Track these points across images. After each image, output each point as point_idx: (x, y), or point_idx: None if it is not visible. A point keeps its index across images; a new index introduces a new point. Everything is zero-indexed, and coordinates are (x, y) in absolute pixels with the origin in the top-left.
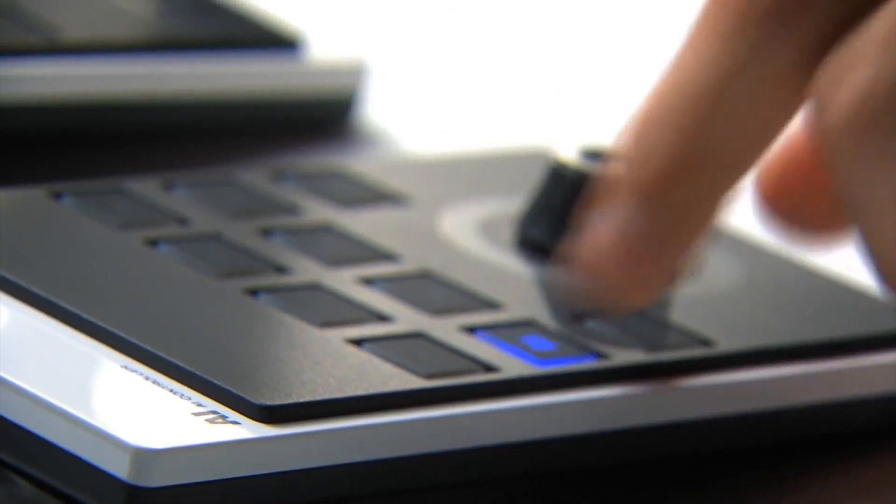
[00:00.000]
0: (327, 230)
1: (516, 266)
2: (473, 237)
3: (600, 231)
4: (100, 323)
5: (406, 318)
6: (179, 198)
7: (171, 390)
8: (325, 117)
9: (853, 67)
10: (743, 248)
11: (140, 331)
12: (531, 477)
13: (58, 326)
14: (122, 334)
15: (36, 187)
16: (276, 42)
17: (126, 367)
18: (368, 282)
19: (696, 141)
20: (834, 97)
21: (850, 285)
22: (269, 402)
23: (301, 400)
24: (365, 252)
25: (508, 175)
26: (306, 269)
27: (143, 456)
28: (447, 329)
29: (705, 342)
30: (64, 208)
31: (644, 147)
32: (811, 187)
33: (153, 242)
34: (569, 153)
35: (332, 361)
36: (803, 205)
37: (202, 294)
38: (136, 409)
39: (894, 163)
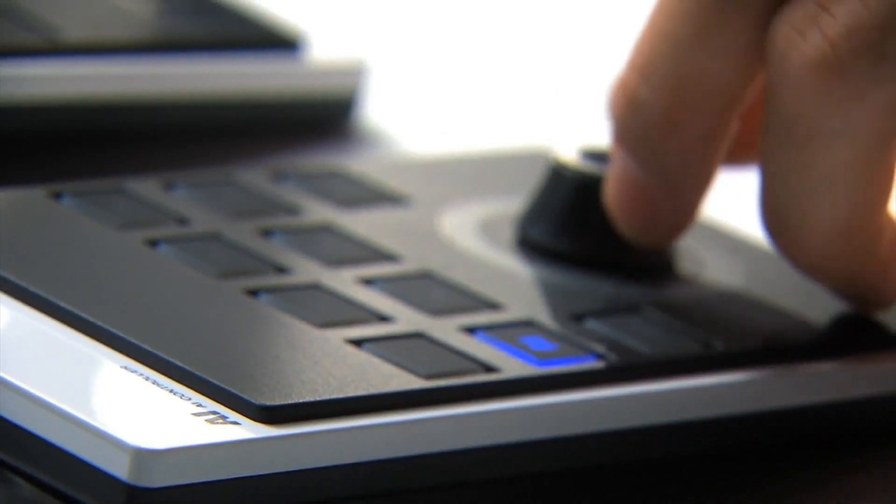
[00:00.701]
0: (327, 230)
1: (516, 266)
2: (473, 237)
3: (609, 178)
4: (100, 323)
5: (406, 318)
6: (179, 198)
7: (171, 390)
8: (326, 117)
9: (818, 18)
10: (743, 248)
11: (140, 331)
12: (531, 477)
13: (58, 326)
14: (122, 334)
15: (36, 187)
16: (277, 42)
17: (126, 367)
18: (368, 282)
19: (676, 92)
20: (797, 47)
21: None
22: (269, 402)
23: (301, 400)
24: (365, 252)
25: (508, 175)
26: (306, 269)
27: (142, 456)
28: (447, 329)
29: (705, 342)
30: (64, 208)
31: (629, 102)
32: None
33: (153, 242)
34: (569, 153)
35: (332, 361)
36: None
37: (202, 294)
38: (135, 410)
39: (863, 102)
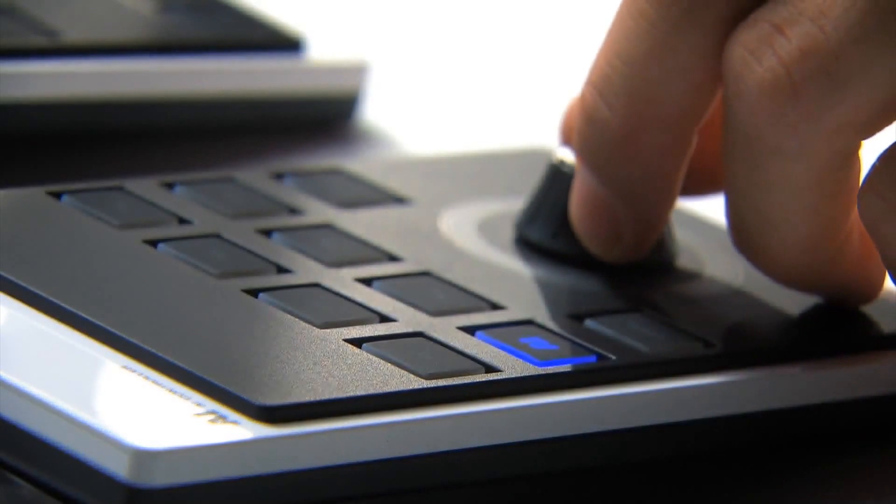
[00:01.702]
0: (327, 230)
1: (516, 266)
2: (473, 237)
3: (573, 193)
4: (100, 323)
5: (406, 318)
6: (179, 198)
7: (171, 390)
8: (327, 118)
9: (772, 41)
10: None
11: (140, 331)
12: (531, 477)
13: (58, 326)
14: (122, 334)
15: (36, 187)
16: (279, 44)
17: (126, 367)
18: (368, 282)
19: (633, 109)
20: (752, 69)
21: None
22: (269, 402)
23: (301, 400)
24: (365, 252)
25: (508, 175)
26: (306, 269)
27: (142, 456)
28: (447, 329)
29: (705, 342)
30: (64, 208)
31: (587, 119)
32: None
33: (153, 242)
34: (569, 153)
35: (332, 361)
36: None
37: (202, 294)
38: (135, 410)
39: (817, 124)
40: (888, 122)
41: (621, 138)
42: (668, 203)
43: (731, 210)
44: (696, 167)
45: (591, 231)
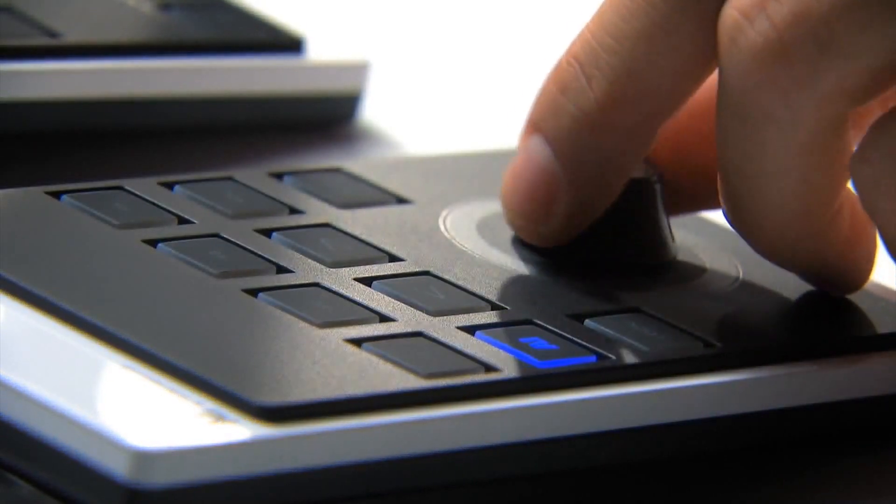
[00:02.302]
0: (327, 230)
1: (516, 266)
2: (473, 237)
3: (514, 159)
4: (100, 323)
5: (406, 317)
6: (179, 198)
7: (170, 390)
8: (328, 118)
9: (766, 5)
10: (742, 247)
11: (140, 330)
12: (531, 477)
13: (57, 326)
14: (122, 334)
15: (36, 187)
16: (279, 44)
17: (126, 367)
18: (368, 282)
19: (616, 86)
20: (745, 33)
21: None
22: (268, 402)
23: (301, 400)
24: (365, 252)
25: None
26: (306, 269)
27: (142, 456)
28: (447, 329)
29: (705, 342)
30: (64, 208)
31: (562, 89)
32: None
33: (153, 242)
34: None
35: (332, 361)
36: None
37: (202, 294)
38: (135, 409)
39: (808, 90)
40: (879, 90)
41: (593, 113)
42: (611, 194)
43: (724, 182)
44: (691, 181)
45: (521, 205)
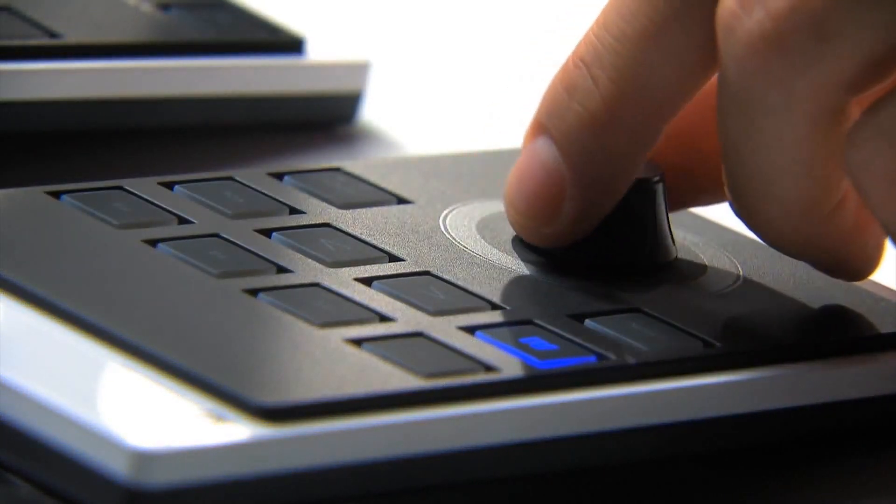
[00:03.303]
0: (327, 230)
1: (516, 266)
2: (474, 237)
3: (520, 159)
4: (99, 322)
5: (406, 317)
6: (179, 198)
7: (170, 390)
8: (328, 118)
9: None
10: (742, 246)
11: (140, 330)
12: (531, 477)
13: (57, 326)
14: (122, 334)
15: (36, 187)
16: (279, 44)
17: (126, 367)
18: (368, 282)
19: (620, 85)
20: (742, 22)
21: (849, 285)
22: (268, 402)
23: (301, 400)
24: (365, 252)
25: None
26: (306, 269)
27: (142, 456)
28: (447, 329)
29: (705, 342)
30: (64, 208)
31: (568, 89)
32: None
33: (153, 242)
34: None
35: (332, 361)
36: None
37: (202, 294)
38: (135, 409)
39: (804, 80)
40: (876, 79)
41: (599, 113)
42: (617, 194)
43: (728, 173)
44: (697, 174)
45: (526, 205)
